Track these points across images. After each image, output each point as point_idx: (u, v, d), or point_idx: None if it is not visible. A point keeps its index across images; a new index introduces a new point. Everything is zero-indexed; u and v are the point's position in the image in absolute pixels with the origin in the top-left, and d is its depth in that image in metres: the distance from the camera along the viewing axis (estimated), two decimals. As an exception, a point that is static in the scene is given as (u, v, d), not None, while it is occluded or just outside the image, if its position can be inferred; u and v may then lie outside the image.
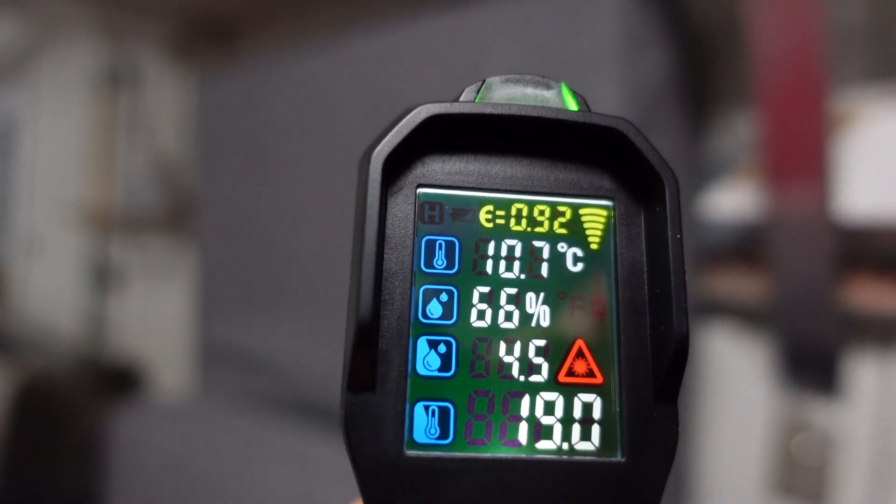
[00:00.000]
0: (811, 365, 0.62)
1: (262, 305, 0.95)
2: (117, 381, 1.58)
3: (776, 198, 0.55)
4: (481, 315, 0.21)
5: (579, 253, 0.22)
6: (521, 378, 0.21)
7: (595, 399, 0.21)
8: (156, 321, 1.64)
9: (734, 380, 0.70)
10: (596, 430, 0.21)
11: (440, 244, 0.21)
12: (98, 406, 1.37)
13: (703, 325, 0.72)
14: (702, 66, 0.72)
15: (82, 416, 1.41)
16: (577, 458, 0.21)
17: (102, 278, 1.77)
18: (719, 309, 0.71)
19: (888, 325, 0.60)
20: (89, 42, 1.77)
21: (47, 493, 1.36)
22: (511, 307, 0.21)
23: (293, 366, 0.89)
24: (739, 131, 0.69)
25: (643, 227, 0.22)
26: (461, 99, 0.22)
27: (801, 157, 0.52)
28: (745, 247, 0.67)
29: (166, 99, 1.61)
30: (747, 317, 0.69)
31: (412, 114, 0.21)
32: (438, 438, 0.20)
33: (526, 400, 0.21)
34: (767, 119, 0.52)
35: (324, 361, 0.83)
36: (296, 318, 0.89)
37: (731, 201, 0.62)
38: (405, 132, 0.21)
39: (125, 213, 1.66)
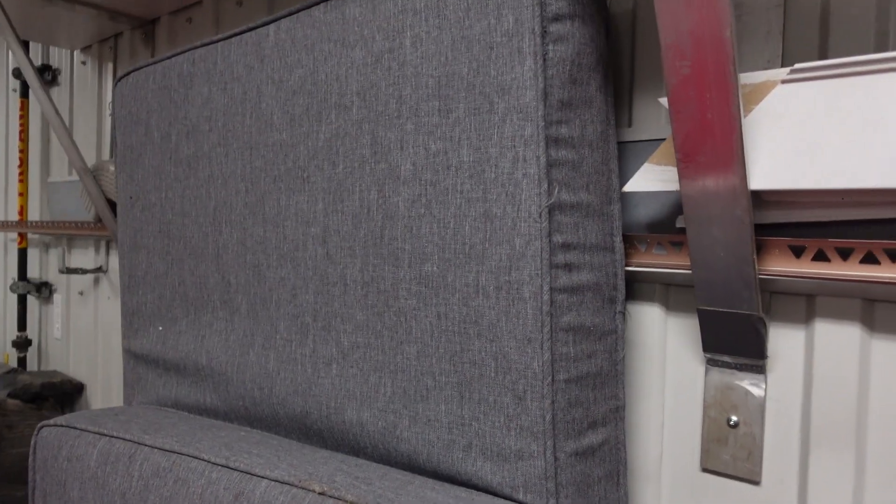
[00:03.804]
0: (736, 335, 0.62)
1: (186, 311, 0.91)
2: (53, 399, 1.51)
3: (692, 174, 0.55)
4: None
5: None
6: None
7: None
8: (87, 335, 1.58)
9: (663, 355, 0.69)
10: None
11: None
12: (29, 426, 1.31)
13: (631, 301, 0.71)
14: (623, 46, 0.71)
15: (12, 437, 1.34)
16: None
17: (31, 293, 1.70)
18: (646, 283, 0.70)
19: (805, 291, 0.61)
20: (5, 41, 1.69)
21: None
22: None
23: (220, 372, 0.85)
24: (661, 112, 0.69)
25: None
26: None
27: (712, 133, 0.52)
28: (669, 223, 0.67)
29: (87, 97, 1.55)
30: (673, 291, 0.69)
31: None
32: None
33: None
34: (678, 97, 0.52)
35: (250, 366, 0.80)
36: (220, 322, 0.85)
37: (652, 179, 0.61)
38: None
39: (51, 221, 1.59)
